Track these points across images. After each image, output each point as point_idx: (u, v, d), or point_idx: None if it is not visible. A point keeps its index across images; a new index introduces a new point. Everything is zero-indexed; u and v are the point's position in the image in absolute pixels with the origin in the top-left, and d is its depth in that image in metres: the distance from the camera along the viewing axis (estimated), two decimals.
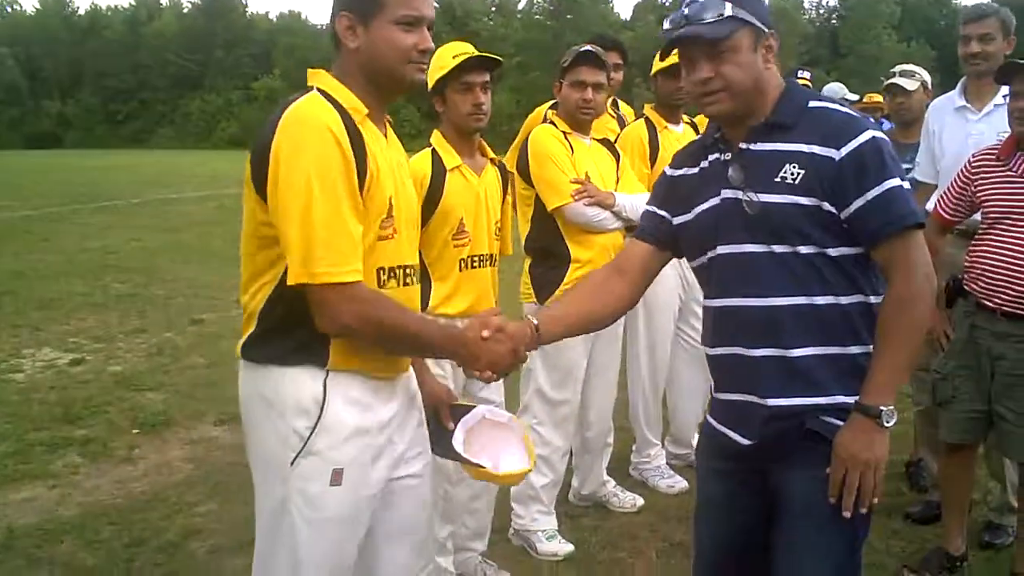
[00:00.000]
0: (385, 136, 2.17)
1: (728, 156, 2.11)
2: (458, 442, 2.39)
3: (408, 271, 2.19)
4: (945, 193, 3.50)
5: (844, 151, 1.96)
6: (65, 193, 22.23)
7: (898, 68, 4.52)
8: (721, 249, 2.10)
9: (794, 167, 1.99)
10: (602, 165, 3.84)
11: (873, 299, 2.06)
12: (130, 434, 5.32)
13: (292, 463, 2.01)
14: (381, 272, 2.09)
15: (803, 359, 2.03)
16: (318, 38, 70.31)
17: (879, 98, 7.73)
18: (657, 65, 4.34)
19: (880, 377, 1.98)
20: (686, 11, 2.01)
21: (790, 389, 2.04)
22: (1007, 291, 3.18)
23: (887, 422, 1.97)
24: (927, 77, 4.48)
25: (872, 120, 7.56)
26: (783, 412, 2.05)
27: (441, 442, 2.41)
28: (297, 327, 1.99)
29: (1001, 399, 3.26)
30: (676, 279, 4.35)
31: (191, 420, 5.57)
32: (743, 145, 2.08)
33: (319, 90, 2.03)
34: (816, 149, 1.98)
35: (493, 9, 74.19)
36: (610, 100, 4.60)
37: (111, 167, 33.63)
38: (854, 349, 2.05)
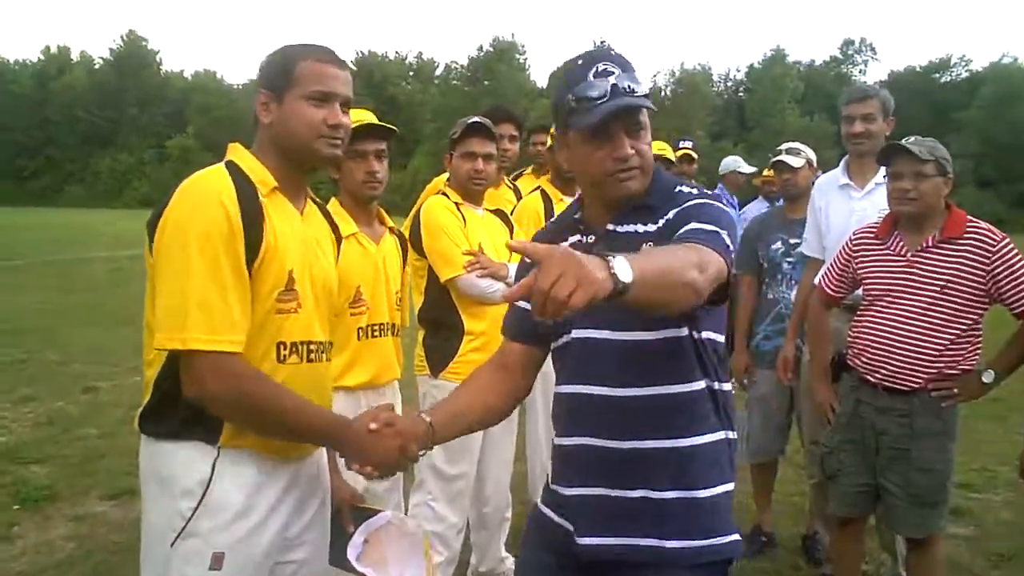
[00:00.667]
0: (302, 211, 2.17)
1: (592, 239, 2.04)
2: (355, 547, 2.30)
3: (316, 347, 2.15)
4: (829, 269, 3.58)
5: (680, 207, 1.94)
6: None
7: (785, 146, 4.66)
8: (577, 333, 2.00)
9: (650, 246, 1.90)
10: (495, 236, 3.82)
11: (717, 385, 2.00)
12: (11, 511, 5.00)
13: (172, 544, 1.96)
14: (281, 347, 2.05)
15: (683, 450, 1.95)
16: (233, 97, 69.97)
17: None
18: (556, 137, 4.38)
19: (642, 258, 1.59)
20: (623, 83, 1.90)
21: (673, 483, 1.95)
22: (887, 366, 3.24)
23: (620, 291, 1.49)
24: (812, 155, 4.63)
25: (766, 193, 7.74)
26: (669, 505, 1.94)
27: (337, 546, 2.32)
28: (167, 398, 1.97)
29: (885, 473, 3.30)
30: None
31: (77, 495, 5.27)
32: (610, 227, 2.02)
33: (228, 162, 2.06)
34: (665, 220, 1.94)
35: (411, 74, 75.04)
36: (521, 172, 4.66)
37: (16, 225, 32.46)
38: (711, 437, 1.98)
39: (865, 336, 3.33)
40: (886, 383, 3.25)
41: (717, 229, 1.84)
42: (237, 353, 1.91)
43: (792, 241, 4.42)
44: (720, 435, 2.00)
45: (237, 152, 2.11)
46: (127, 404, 7.16)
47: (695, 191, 2.02)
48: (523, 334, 2.17)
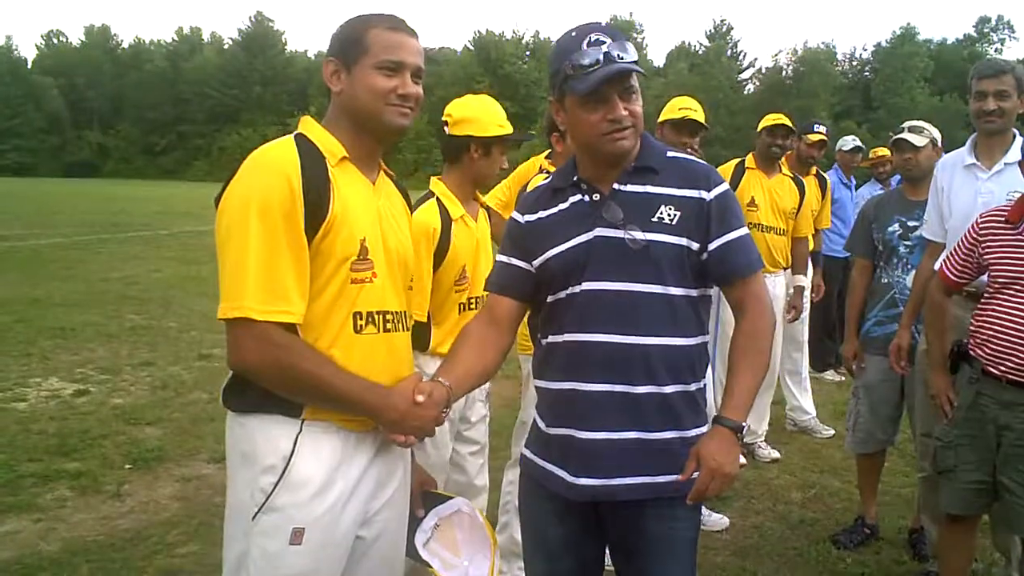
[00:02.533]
0: (374, 182, 2.17)
1: (597, 197, 2.17)
2: (423, 532, 2.33)
3: (392, 317, 2.14)
4: (952, 254, 3.37)
5: (713, 193, 2.15)
6: (96, 222, 22.54)
7: (907, 124, 4.41)
8: (587, 285, 2.13)
9: (670, 209, 2.12)
10: None
11: (705, 338, 2.24)
12: (122, 469, 5.25)
13: (254, 518, 1.98)
14: (358, 317, 2.05)
15: (673, 396, 2.15)
16: None
17: (885, 152, 7.61)
18: (666, 114, 4.31)
19: (739, 399, 2.09)
20: (614, 51, 2.05)
21: (665, 424, 2.14)
22: (1013, 358, 3.04)
23: (744, 438, 2.13)
24: (936, 134, 4.36)
25: (877, 174, 7.32)
26: (661, 445, 2.13)
27: (408, 530, 2.33)
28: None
29: (1006, 470, 3.10)
30: None
31: (185, 457, 5.50)
32: (617, 186, 2.16)
33: (298, 135, 2.07)
34: (688, 192, 2.15)
35: (527, 53, 75.02)
36: None
37: (145, 198, 34.16)
38: (694, 386, 2.19)
39: (990, 326, 3.13)
40: (1011, 376, 3.05)
41: (745, 230, 2.18)
42: (287, 324, 1.92)
43: (910, 224, 4.19)
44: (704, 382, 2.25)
45: (307, 124, 2.12)
46: None
47: (686, 156, 2.26)
48: (514, 289, 2.30)
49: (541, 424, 2.29)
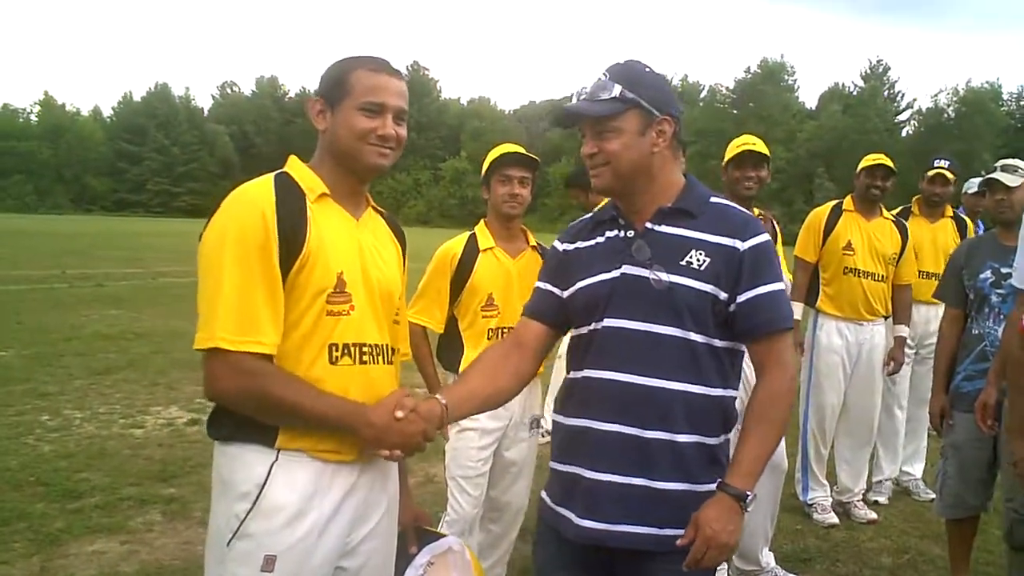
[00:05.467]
0: (358, 218, 2.21)
1: (631, 234, 2.17)
2: (415, 568, 2.32)
3: (370, 350, 2.16)
4: None
5: (748, 244, 2.10)
6: None
7: (1000, 162, 4.11)
8: (609, 322, 2.13)
9: (700, 254, 2.09)
10: None
11: (732, 392, 2.17)
12: None
13: (228, 544, 2.02)
14: (333, 348, 2.08)
15: (686, 445, 2.09)
16: (505, 123, 73.04)
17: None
18: (727, 153, 4.21)
19: (747, 465, 2.04)
20: (586, 89, 2.15)
21: (675, 474, 2.08)
22: None
23: (749, 508, 2.02)
24: None
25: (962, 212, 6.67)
26: (669, 496, 2.08)
27: (399, 568, 2.33)
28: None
29: None
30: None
31: None
32: (649, 225, 2.16)
33: (280, 173, 2.14)
34: (722, 240, 2.10)
35: None
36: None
37: None
38: (713, 440, 2.13)
39: None
40: None
41: (780, 286, 2.13)
42: (248, 352, 1.95)
43: (1004, 270, 3.87)
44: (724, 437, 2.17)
45: (292, 163, 2.20)
46: None
47: (729, 204, 2.22)
48: (544, 315, 2.32)
49: (554, 461, 2.28)
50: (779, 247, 4.19)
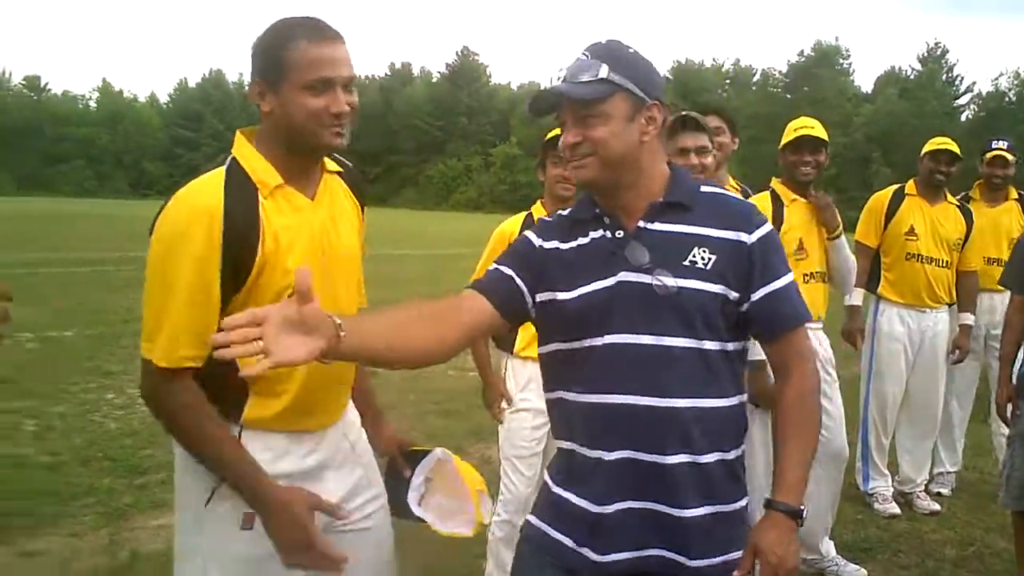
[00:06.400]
0: (313, 196, 2.11)
1: (620, 234, 1.93)
2: (415, 490, 2.36)
3: None
4: None
5: (756, 236, 1.91)
6: None
7: None
8: (611, 338, 1.87)
9: (704, 251, 1.88)
10: None
11: (744, 397, 1.98)
12: None
13: (206, 505, 2.02)
14: None
15: (710, 466, 1.90)
16: None
17: None
18: (784, 137, 4.14)
19: (794, 475, 1.89)
20: (563, 71, 1.90)
21: (704, 498, 1.90)
22: None
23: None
24: None
25: None
26: (696, 522, 1.89)
27: (397, 497, 2.36)
28: (208, 380, 1.98)
29: None
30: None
31: None
32: (642, 224, 1.92)
33: (231, 162, 2.03)
34: (726, 234, 1.90)
35: (727, 82, 73.82)
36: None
37: None
38: (733, 454, 1.95)
39: None
40: None
41: (791, 277, 1.95)
42: (167, 368, 1.93)
43: None
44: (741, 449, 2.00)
45: (241, 147, 2.05)
46: (421, 389, 7.76)
47: (722, 192, 2.04)
48: (501, 300, 1.93)
49: (551, 484, 2.03)
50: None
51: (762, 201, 4.12)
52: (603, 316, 1.88)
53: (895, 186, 5.38)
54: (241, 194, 1.96)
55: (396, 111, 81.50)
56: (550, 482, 2.03)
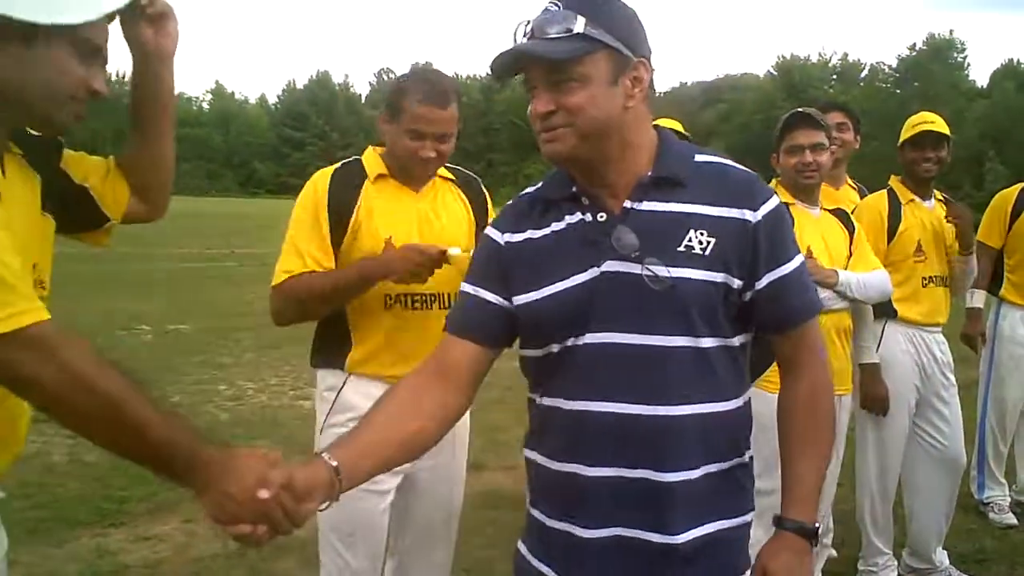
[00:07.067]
0: (418, 190, 2.72)
1: (603, 217, 1.65)
2: None
3: (420, 297, 2.65)
4: None
5: (761, 213, 1.64)
6: None
7: None
8: (592, 337, 1.61)
9: (701, 234, 1.60)
10: (831, 238, 3.55)
11: (748, 396, 1.74)
12: None
13: (320, 432, 2.68)
14: (388, 298, 2.63)
15: (710, 478, 1.65)
16: (656, 105, 72.10)
17: None
18: (904, 133, 4.01)
19: (806, 487, 1.68)
20: (529, 24, 1.59)
21: (700, 516, 1.64)
22: None
23: (816, 542, 1.66)
24: None
25: None
26: (692, 545, 1.63)
27: None
28: (321, 339, 2.73)
29: None
30: (912, 367, 3.91)
31: None
32: (628, 204, 1.64)
33: (352, 160, 2.78)
34: (725, 211, 1.62)
35: (834, 77, 71.79)
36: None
37: None
38: (736, 461, 1.71)
39: None
40: None
41: (801, 259, 1.70)
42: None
43: None
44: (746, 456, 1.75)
45: (368, 151, 2.76)
46: (495, 385, 7.70)
47: (722, 160, 1.73)
48: (479, 331, 1.72)
49: (536, 512, 1.77)
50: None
51: (879, 200, 4.02)
52: (584, 313, 1.62)
53: (1021, 184, 5.14)
54: (349, 174, 2.67)
55: (496, 111, 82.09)
56: (531, 508, 1.79)
